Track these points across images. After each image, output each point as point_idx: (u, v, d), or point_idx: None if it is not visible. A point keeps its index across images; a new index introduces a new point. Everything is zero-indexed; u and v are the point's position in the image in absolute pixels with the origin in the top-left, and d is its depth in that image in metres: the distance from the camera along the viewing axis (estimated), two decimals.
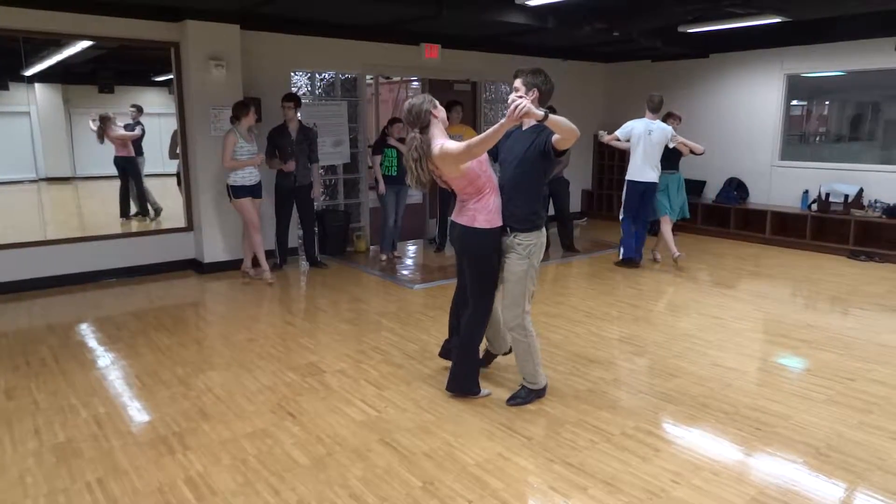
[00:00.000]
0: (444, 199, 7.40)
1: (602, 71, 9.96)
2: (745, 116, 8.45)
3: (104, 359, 4.17)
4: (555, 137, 3.07)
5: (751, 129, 8.41)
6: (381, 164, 6.78)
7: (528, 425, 3.21)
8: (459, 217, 3.32)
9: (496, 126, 2.92)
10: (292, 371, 3.92)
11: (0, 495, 2.61)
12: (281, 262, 6.61)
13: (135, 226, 8.00)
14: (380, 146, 6.84)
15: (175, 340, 4.50)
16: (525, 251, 3.25)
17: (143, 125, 9.24)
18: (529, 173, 3.23)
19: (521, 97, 3.06)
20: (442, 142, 3.16)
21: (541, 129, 3.15)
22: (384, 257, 7.01)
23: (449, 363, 3.64)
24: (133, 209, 8.28)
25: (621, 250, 6.81)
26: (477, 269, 3.34)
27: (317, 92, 7.33)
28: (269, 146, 6.22)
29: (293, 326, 4.86)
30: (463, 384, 3.50)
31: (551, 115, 2.93)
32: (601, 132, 6.73)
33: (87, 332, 4.74)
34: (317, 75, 7.31)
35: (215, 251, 6.45)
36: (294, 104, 6.17)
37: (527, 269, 3.26)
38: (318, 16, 6.63)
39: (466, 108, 7.72)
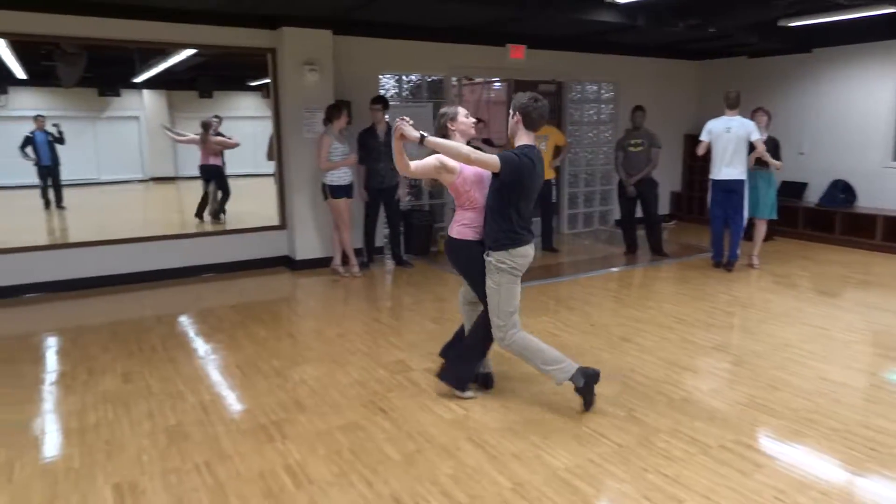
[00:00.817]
0: (540, 197, 7.37)
1: (694, 69, 9.60)
2: (853, 115, 7.91)
3: (207, 348, 4.42)
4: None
5: (859, 129, 7.86)
6: None
7: (618, 432, 3.15)
8: (452, 229, 3.54)
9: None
10: (382, 368, 4.01)
11: (122, 470, 2.83)
12: (368, 261, 6.78)
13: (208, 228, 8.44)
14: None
15: (271, 334, 4.71)
16: (493, 268, 3.32)
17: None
18: (493, 194, 3.32)
19: (403, 119, 3.19)
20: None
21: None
22: None
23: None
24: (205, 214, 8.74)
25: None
26: (468, 277, 3.55)
27: (403, 94, 7.46)
28: (358, 147, 6.40)
29: (381, 324, 4.98)
30: (454, 373, 3.57)
31: (429, 138, 3.15)
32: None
33: (191, 322, 5.03)
34: (404, 78, 7.45)
35: (307, 248, 6.70)
36: (382, 106, 6.32)
37: (497, 285, 3.31)
38: (407, 20, 6.75)
39: (551, 108, 7.63)
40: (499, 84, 14.59)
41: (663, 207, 9.07)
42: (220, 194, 8.86)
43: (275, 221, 6.89)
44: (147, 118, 14.09)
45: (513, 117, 3.35)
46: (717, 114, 6.44)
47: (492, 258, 3.31)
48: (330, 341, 4.55)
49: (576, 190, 8.98)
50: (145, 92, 13.73)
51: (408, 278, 6.43)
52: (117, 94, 13.17)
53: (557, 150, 7.43)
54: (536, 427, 3.21)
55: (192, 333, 4.76)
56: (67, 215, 10.54)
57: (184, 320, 5.10)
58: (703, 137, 6.40)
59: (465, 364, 3.59)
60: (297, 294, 6.03)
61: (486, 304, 3.42)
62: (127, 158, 13.81)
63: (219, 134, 9.65)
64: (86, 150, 12.97)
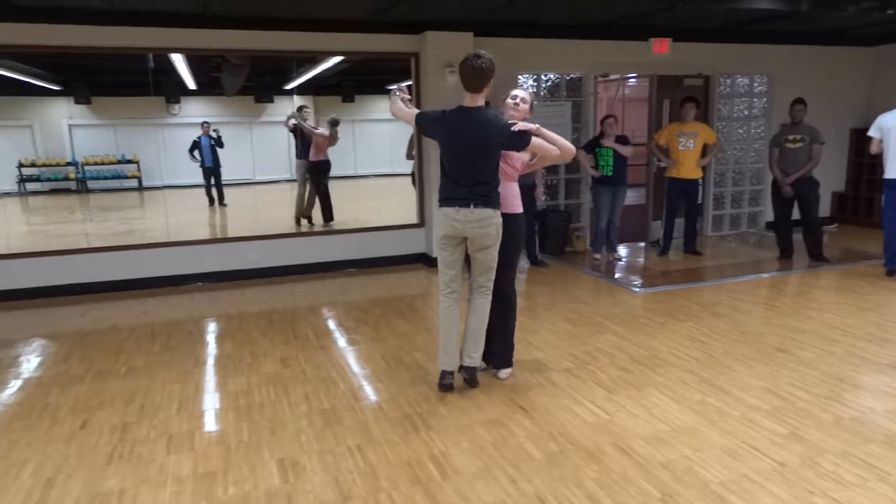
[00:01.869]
0: (671, 198, 7.07)
1: (863, 56, 8.68)
2: None
3: (354, 339, 4.67)
4: None
5: None
6: (597, 163, 6.73)
7: (778, 449, 2.93)
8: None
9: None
10: (520, 366, 4.03)
11: (284, 447, 3.07)
12: None
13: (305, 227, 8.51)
14: (592, 145, 6.78)
15: (411, 327, 4.88)
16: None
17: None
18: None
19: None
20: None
21: None
22: (597, 256, 6.98)
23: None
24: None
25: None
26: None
27: (541, 93, 7.42)
28: None
29: (518, 322, 4.98)
30: (509, 358, 3.84)
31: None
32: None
33: (338, 314, 5.34)
34: (542, 77, 7.40)
35: None
36: None
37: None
38: (547, 18, 6.71)
39: (699, 104, 7.22)
40: (634, 79, 14.06)
41: (823, 209, 8.30)
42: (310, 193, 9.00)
43: (413, 220, 7.12)
44: (294, 119, 15.12)
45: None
46: (891, 106, 5.80)
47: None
48: None
49: (722, 190, 8.45)
50: (296, 97, 14.79)
51: (542, 278, 6.39)
52: (271, 101, 14.26)
53: (705, 149, 7.03)
54: (687, 437, 3.07)
55: (339, 324, 5.05)
56: (228, 212, 11.59)
57: (332, 311, 5.42)
58: (873, 133, 5.80)
59: (511, 342, 3.86)
60: (434, 291, 6.19)
61: (486, 273, 3.55)
62: (278, 160, 14.92)
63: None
64: (243, 152, 14.18)
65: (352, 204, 13.95)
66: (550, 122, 7.20)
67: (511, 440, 3.09)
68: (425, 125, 3.64)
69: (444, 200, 3.49)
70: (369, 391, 3.72)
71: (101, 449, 3.09)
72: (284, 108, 14.82)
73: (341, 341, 4.63)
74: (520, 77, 7.20)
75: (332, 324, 5.06)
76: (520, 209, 3.65)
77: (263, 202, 13.75)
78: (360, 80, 13.28)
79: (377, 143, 15.15)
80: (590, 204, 7.55)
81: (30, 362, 4.33)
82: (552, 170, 7.51)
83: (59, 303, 5.80)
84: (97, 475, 2.86)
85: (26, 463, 2.97)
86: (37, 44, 5.62)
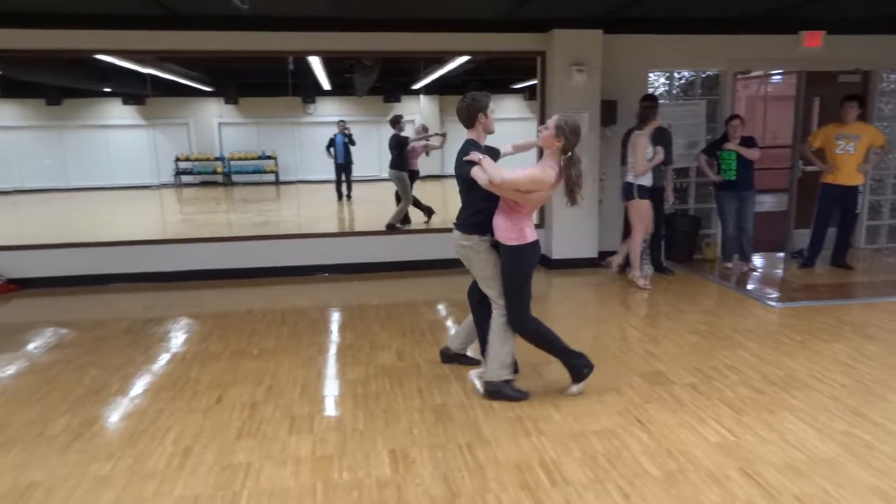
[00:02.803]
0: (824, 205, 6.47)
1: None
2: None
3: None
4: None
5: None
6: (720, 167, 6.32)
7: None
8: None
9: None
10: (639, 377, 3.86)
11: (396, 438, 3.15)
12: (624, 265, 6.57)
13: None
14: (714, 148, 6.36)
15: None
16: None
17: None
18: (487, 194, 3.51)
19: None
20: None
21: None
22: (728, 266, 6.52)
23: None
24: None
25: None
26: None
27: (674, 91, 7.06)
28: (622, 147, 6.23)
29: (637, 330, 4.79)
30: (577, 368, 3.63)
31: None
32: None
33: (453, 310, 5.39)
34: (675, 74, 7.04)
35: (563, 249, 6.74)
36: (655, 105, 6.06)
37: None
38: (684, 13, 6.37)
39: (861, 101, 6.53)
40: (779, 76, 13.03)
41: None
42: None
43: (535, 221, 7.04)
44: (421, 120, 15.50)
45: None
46: None
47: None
48: (585, 343, 4.49)
49: (880, 198, 7.61)
50: (422, 97, 15.17)
51: (667, 286, 6.08)
52: (398, 100, 14.75)
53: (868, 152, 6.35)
54: (827, 470, 2.79)
55: (454, 321, 5.10)
56: (355, 207, 12.12)
57: (446, 308, 5.49)
58: None
59: (569, 354, 3.66)
60: (553, 293, 6.09)
61: (485, 290, 3.65)
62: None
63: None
64: (371, 150, 14.75)
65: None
66: (682, 122, 6.86)
67: (625, 453, 2.96)
68: None
69: None
70: (481, 390, 3.72)
71: (232, 424, 3.33)
72: (411, 107, 15.26)
73: None
74: (650, 75, 6.89)
75: (446, 320, 5.13)
76: (515, 242, 3.43)
77: (388, 198, 14.20)
78: (485, 79, 13.37)
79: (497, 144, 15.13)
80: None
81: (176, 338, 4.76)
82: (682, 171, 7.13)
83: (203, 285, 6.34)
84: (228, 448, 3.08)
85: (169, 430, 3.27)
86: (195, 49, 6.16)
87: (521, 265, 3.51)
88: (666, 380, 3.81)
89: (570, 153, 3.35)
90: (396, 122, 8.87)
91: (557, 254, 6.75)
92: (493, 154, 3.64)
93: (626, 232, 6.47)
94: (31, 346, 4.64)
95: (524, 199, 3.38)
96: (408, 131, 9.23)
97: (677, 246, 6.86)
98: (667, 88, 7.06)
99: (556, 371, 3.99)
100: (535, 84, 6.93)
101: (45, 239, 6.92)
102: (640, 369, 3.97)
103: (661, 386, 3.72)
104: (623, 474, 2.78)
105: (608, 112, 6.56)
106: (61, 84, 11.93)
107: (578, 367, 3.63)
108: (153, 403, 3.60)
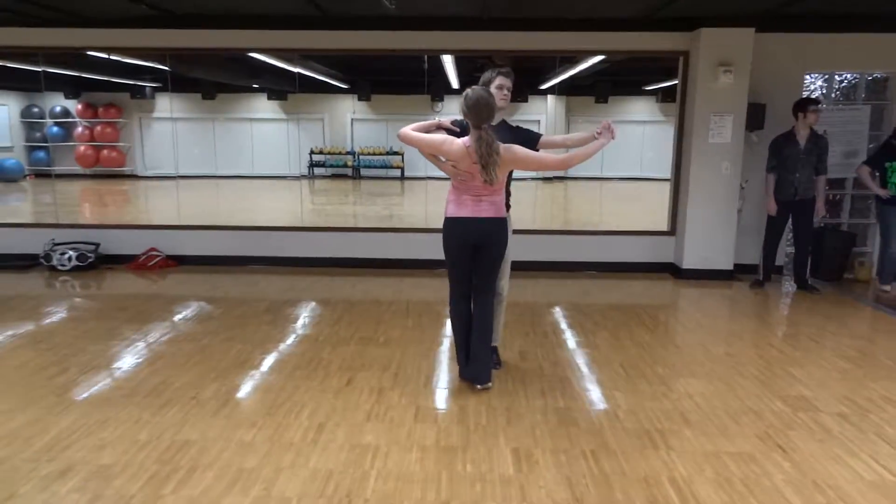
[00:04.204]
0: None
1: None
2: None
3: (592, 342, 4.59)
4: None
5: None
6: (886, 180, 5.69)
7: None
8: (486, 211, 3.49)
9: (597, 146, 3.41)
10: (780, 400, 3.59)
11: (519, 437, 3.14)
12: (763, 280, 6.15)
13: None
14: (882, 158, 5.74)
15: (655, 340, 4.65)
16: (510, 229, 3.76)
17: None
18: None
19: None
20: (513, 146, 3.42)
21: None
22: (885, 289, 5.91)
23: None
24: None
25: None
26: (501, 255, 3.68)
27: (833, 95, 6.49)
28: (770, 154, 5.82)
29: (777, 351, 4.46)
30: (488, 371, 3.71)
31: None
32: None
33: (577, 314, 5.30)
34: (835, 76, 6.47)
35: (695, 258, 6.42)
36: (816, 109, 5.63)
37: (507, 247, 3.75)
38: (846, 10, 5.82)
39: None
40: None
41: None
42: None
43: (663, 227, 6.77)
44: (547, 121, 15.34)
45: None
46: None
47: (509, 218, 3.72)
48: (717, 359, 4.27)
49: None
50: (549, 97, 15.00)
51: (811, 305, 5.61)
52: (525, 100, 14.67)
53: None
54: None
55: (578, 325, 5.01)
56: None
57: (571, 312, 5.40)
58: None
59: (490, 353, 3.78)
60: (682, 304, 5.82)
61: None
62: None
63: None
64: None
65: (595, 206, 13.77)
66: (841, 130, 6.30)
67: (765, 480, 2.77)
68: None
69: None
70: (606, 398, 3.63)
71: (361, 406, 3.48)
72: (538, 107, 15.13)
73: (579, 342, 4.59)
74: (806, 76, 6.38)
75: (570, 324, 5.05)
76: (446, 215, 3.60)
77: (517, 197, 14.17)
78: (616, 80, 12.98)
79: (629, 145, 14.69)
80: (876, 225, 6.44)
81: (308, 321, 5.05)
82: (836, 183, 6.55)
83: (332, 272, 6.68)
84: (357, 428, 3.23)
85: (304, 407, 3.47)
86: (343, 47, 6.49)
87: (444, 242, 3.63)
88: (811, 406, 3.52)
89: (479, 129, 3.31)
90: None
91: (688, 263, 6.43)
92: (533, 139, 3.71)
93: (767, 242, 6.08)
94: (185, 317, 5.11)
95: (437, 165, 3.58)
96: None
97: (826, 263, 6.31)
98: (824, 92, 6.50)
99: (689, 384, 3.82)
100: (671, 85, 6.65)
101: (197, 221, 7.58)
102: (780, 392, 3.70)
103: (806, 412, 3.44)
104: (761, 502, 2.61)
105: (755, 116, 6.15)
106: (217, 80, 13.01)
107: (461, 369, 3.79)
108: (289, 380, 3.83)
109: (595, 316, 5.23)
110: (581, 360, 4.22)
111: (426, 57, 8.84)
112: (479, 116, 3.31)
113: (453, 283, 3.72)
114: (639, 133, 14.78)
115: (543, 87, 14.32)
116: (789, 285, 6.23)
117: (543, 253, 6.78)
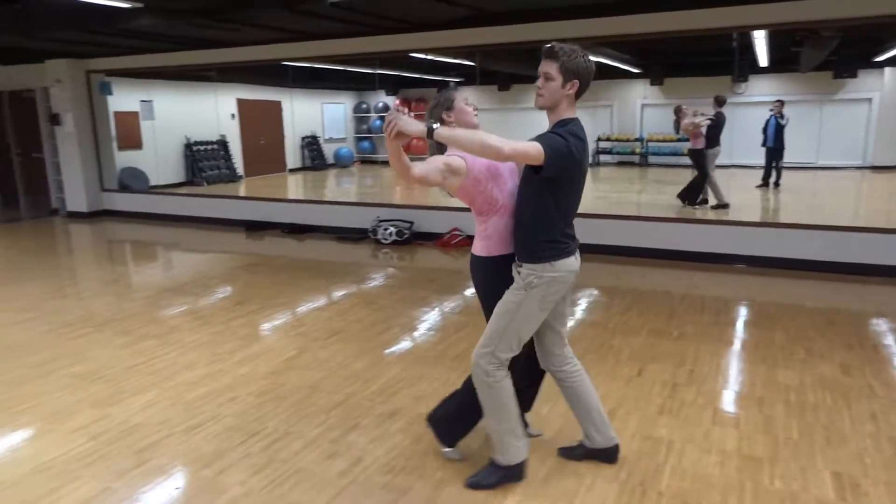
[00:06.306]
0: None
1: None
2: None
3: None
4: None
5: None
6: None
7: None
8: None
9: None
10: None
11: (841, 461, 2.77)
12: None
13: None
14: None
15: None
16: (521, 283, 2.50)
17: (712, 116, 8.88)
18: (527, 191, 2.51)
19: (398, 110, 2.67)
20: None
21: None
22: None
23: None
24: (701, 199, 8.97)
25: None
26: (484, 304, 2.70)
27: None
28: None
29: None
30: (443, 427, 2.87)
31: (440, 130, 2.33)
32: None
33: None
34: None
35: None
36: None
37: (517, 304, 2.51)
38: None
39: None
40: None
41: None
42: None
43: None
44: (882, 99, 12.93)
45: (565, 84, 2.41)
46: None
47: (524, 270, 2.51)
48: None
49: None
50: (886, 70, 12.57)
51: None
52: (853, 76, 12.54)
53: None
54: None
55: None
56: (782, 196, 10.93)
57: None
58: None
59: (458, 411, 2.82)
60: None
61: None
62: (849, 143, 13.12)
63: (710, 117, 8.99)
64: (808, 133, 12.99)
65: None
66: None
67: None
68: (576, 161, 2.44)
69: (570, 246, 2.60)
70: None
71: (653, 399, 3.42)
72: (869, 83, 12.81)
73: None
74: None
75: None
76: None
77: (823, 189, 12.36)
78: None
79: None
80: None
81: (599, 308, 5.09)
82: None
83: (620, 261, 6.60)
84: (650, 420, 3.18)
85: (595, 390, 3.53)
86: (623, 33, 6.33)
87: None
88: None
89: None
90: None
91: None
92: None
93: None
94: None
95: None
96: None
97: None
98: None
99: None
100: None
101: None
102: None
103: None
104: None
105: None
106: (512, 71, 13.73)
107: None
108: (583, 364, 3.92)
109: None
110: None
111: (736, 34, 8.14)
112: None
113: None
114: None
115: (879, 58, 12.04)
116: None
117: (865, 254, 5.78)
